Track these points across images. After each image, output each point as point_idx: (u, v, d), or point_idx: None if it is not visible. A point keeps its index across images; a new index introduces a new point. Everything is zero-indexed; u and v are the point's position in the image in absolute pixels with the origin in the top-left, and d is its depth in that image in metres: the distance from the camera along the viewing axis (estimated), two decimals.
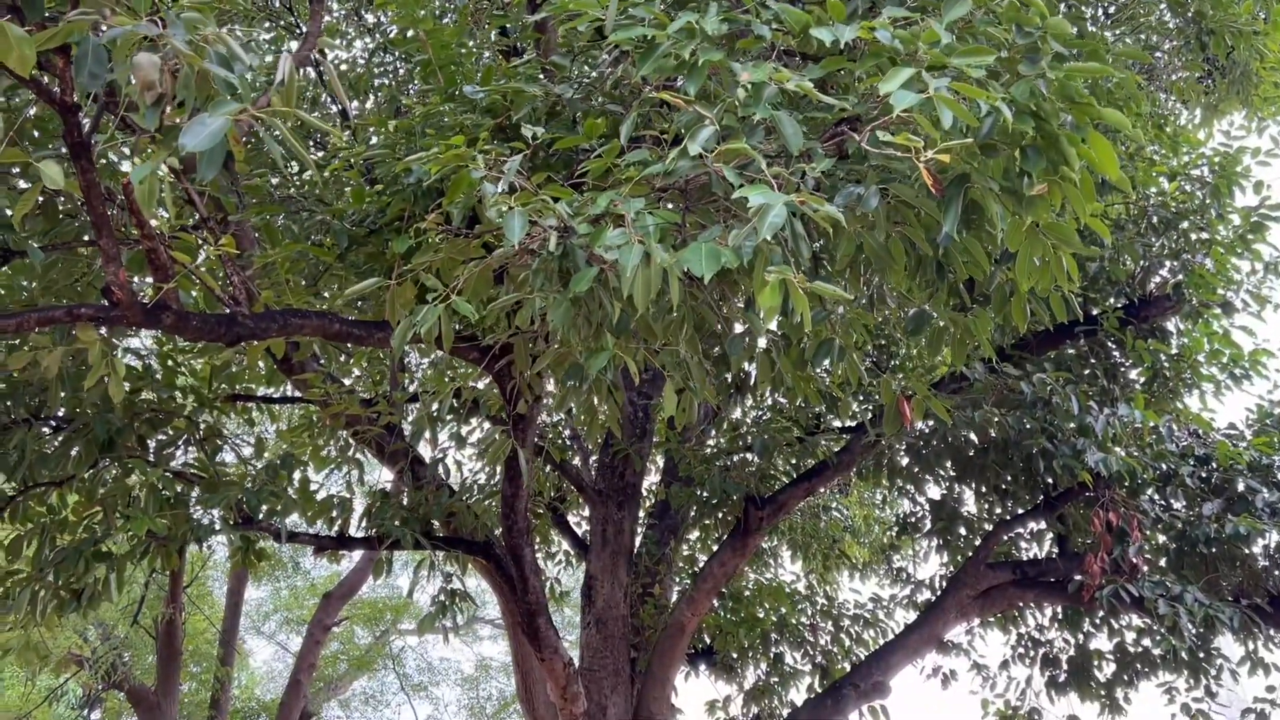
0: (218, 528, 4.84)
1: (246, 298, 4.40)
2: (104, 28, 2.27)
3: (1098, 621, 7.94)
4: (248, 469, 5.51)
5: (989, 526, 7.92)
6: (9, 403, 4.98)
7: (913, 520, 8.63)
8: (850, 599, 9.71)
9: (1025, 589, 7.51)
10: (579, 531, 9.30)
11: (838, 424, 8.13)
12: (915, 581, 8.94)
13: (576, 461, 8.88)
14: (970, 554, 7.76)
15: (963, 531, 8.10)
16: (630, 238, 2.97)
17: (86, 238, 4.34)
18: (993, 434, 6.80)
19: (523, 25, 5.73)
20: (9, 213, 4.09)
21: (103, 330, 3.99)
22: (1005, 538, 7.80)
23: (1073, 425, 6.56)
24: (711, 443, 8.77)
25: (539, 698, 7.68)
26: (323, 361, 6.59)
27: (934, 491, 8.21)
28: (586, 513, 9.28)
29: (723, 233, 3.13)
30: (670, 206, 3.42)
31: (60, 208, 4.21)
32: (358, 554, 14.40)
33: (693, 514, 8.59)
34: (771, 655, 8.51)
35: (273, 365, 6.42)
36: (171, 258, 3.78)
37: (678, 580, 8.78)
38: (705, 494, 7.87)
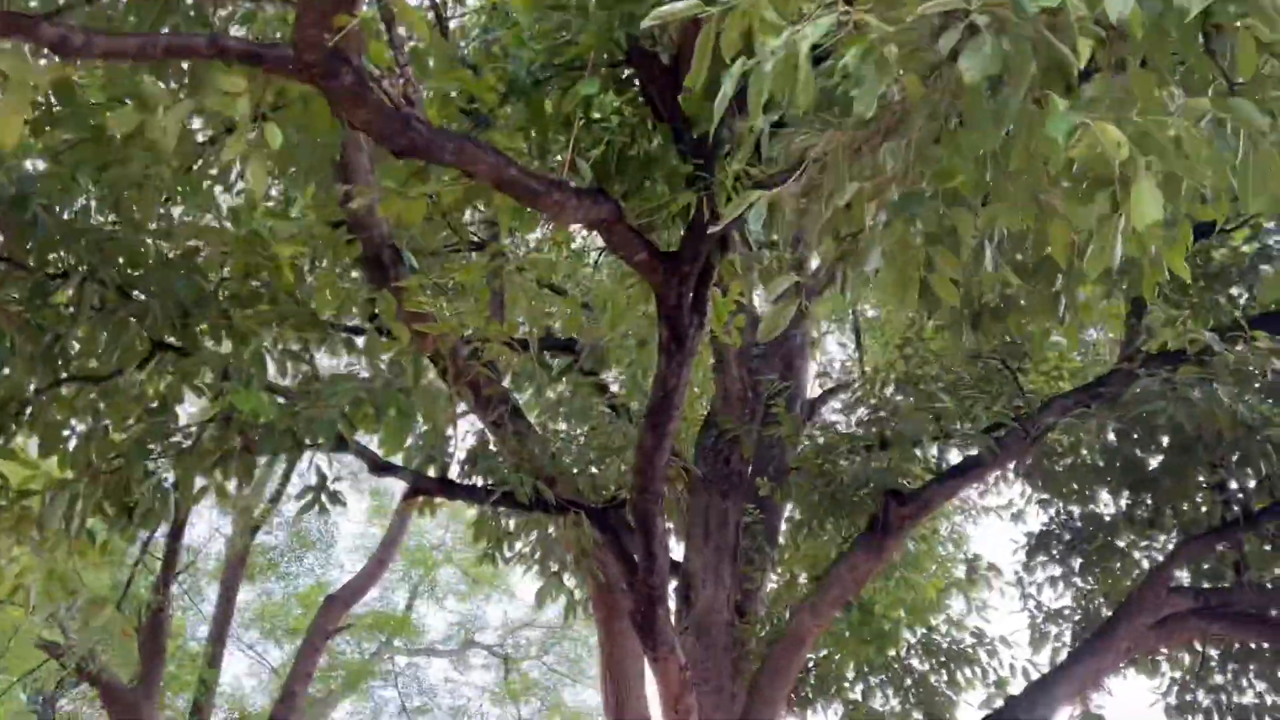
0: (338, 425, 3.61)
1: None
2: None
3: None
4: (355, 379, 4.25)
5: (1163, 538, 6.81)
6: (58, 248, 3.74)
7: (1051, 534, 7.50)
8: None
9: (1209, 619, 6.38)
10: None
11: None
12: (1047, 610, 7.69)
13: None
14: (1147, 573, 6.63)
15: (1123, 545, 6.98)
16: None
17: None
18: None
19: None
20: None
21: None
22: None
23: None
24: (810, 432, 7.65)
25: (633, 711, 6.41)
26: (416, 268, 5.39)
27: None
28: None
29: None
30: None
31: None
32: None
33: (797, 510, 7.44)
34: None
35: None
36: None
37: (777, 582, 7.54)
38: (833, 488, 6.71)
